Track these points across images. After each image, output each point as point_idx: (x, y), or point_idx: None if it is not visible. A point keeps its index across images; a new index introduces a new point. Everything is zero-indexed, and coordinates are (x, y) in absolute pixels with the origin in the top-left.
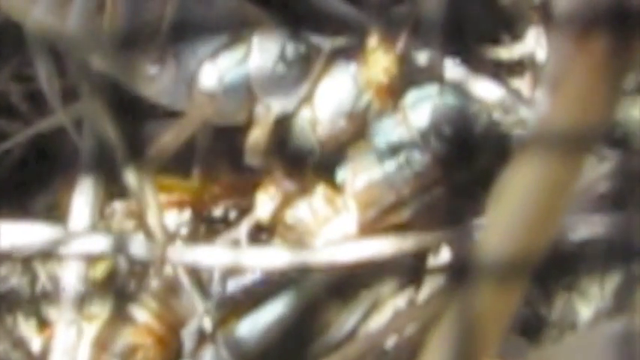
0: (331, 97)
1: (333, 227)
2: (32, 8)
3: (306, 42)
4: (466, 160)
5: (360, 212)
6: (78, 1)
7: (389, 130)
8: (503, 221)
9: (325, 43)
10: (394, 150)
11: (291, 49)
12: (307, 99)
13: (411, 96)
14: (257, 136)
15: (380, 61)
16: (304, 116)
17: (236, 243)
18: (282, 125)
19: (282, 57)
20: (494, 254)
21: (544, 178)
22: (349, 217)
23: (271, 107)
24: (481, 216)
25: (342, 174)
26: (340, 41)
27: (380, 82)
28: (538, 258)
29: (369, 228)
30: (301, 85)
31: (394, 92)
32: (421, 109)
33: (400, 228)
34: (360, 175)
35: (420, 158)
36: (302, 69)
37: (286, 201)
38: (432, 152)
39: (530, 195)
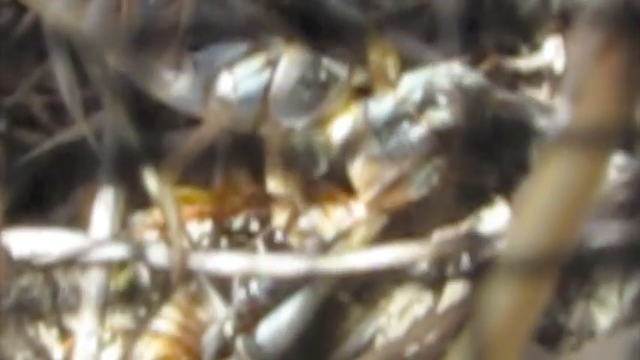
0: (346, 133)
1: (345, 223)
2: (50, 3)
3: (327, 69)
4: (462, 128)
5: (363, 191)
6: (96, 1)
7: (385, 109)
8: (531, 219)
9: (343, 71)
10: (391, 126)
11: (312, 74)
12: (322, 123)
13: (407, 78)
14: (272, 160)
15: (378, 48)
16: (317, 139)
17: (254, 250)
18: (292, 141)
19: (302, 81)
20: (522, 251)
21: (570, 179)
22: (356, 202)
23: (280, 125)
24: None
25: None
26: (361, 76)
27: (379, 66)
28: (565, 255)
29: (376, 207)
30: (315, 109)
31: (391, 78)
32: (416, 86)
33: (409, 210)
34: (360, 154)
35: (417, 130)
36: (318, 95)
37: (302, 209)
38: (428, 123)
39: (557, 194)
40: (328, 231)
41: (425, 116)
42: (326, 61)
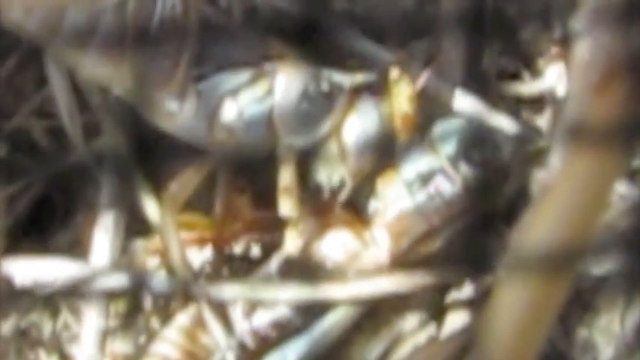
0: (356, 132)
1: (364, 261)
2: (53, 40)
3: (329, 79)
4: (495, 187)
5: (393, 243)
6: (98, 34)
7: (417, 160)
8: (548, 217)
9: (346, 80)
10: (424, 179)
11: (313, 87)
12: (332, 135)
13: (438, 127)
14: (286, 182)
15: (403, 92)
16: (330, 152)
17: (267, 279)
18: (305, 161)
19: (304, 95)
20: (539, 248)
21: (584, 185)
22: (380, 249)
23: (293, 145)
24: (503, 250)
25: (373, 205)
26: (361, 77)
27: (405, 112)
28: (583, 252)
29: (402, 259)
30: (323, 122)
31: (418, 122)
32: (449, 138)
33: (429, 259)
34: (391, 205)
35: (449, 187)
36: (324, 106)
37: (315, 236)
38: (462, 180)
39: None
40: (343, 260)
41: (459, 172)
42: (326, 72)
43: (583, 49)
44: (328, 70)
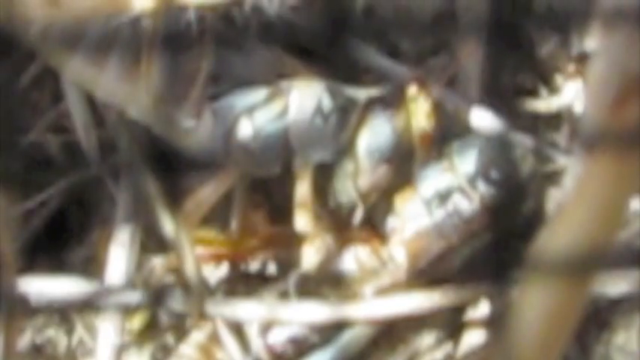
0: (369, 145)
1: (381, 278)
2: (71, 59)
3: (343, 94)
4: (513, 206)
5: (411, 262)
6: (114, 55)
7: (435, 178)
8: (564, 237)
9: (361, 94)
10: (442, 198)
11: (327, 102)
12: (347, 150)
13: (457, 144)
14: (302, 196)
15: (421, 109)
16: (345, 167)
17: (284, 295)
18: (323, 177)
19: (319, 110)
20: (562, 251)
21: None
22: (398, 267)
23: (309, 160)
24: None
25: (391, 223)
26: (376, 91)
27: (423, 129)
28: (605, 254)
29: (419, 277)
30: (339, 137)
31: (435, 139)
32: (467, 155)
33: (447, 277)
34: (409, 223)
35: (468, 205)
36: (339, 121)
37: (332, 253)
38: (480, 199)
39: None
40: (360, 277)
41: (477, 190)
42: (340, 86)
43: (599, 66)
44: (342, 85)
